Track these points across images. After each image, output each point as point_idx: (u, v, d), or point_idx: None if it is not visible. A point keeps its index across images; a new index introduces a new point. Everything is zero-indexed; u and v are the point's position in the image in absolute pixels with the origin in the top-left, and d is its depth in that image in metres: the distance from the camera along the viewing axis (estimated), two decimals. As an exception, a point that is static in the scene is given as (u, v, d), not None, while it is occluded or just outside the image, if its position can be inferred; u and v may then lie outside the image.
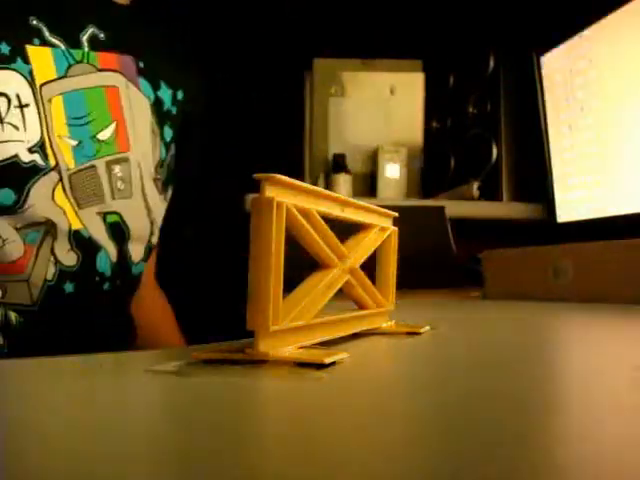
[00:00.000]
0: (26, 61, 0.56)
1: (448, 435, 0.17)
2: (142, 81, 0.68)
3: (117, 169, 0.63)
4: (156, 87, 0.69)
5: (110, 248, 0.63)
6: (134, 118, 0.66)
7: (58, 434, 0.18)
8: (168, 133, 0.72)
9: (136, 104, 0.67)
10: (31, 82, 0.56)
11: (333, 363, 0.28)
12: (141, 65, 0.67)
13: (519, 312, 0.66)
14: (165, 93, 0.70)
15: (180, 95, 0.73)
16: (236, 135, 1.67)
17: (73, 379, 0.27)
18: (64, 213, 0.58)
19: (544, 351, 0.37)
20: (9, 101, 0.54)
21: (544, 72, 1.20)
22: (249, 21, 1.65)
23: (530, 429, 0.18)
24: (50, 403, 0.22)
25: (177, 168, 0.76)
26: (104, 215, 0.62)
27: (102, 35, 0.63)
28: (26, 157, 0.55)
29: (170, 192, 0.74)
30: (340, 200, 0.35)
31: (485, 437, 0.17)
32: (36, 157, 0.56)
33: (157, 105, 0.69)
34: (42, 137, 0.56)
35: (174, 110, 0.72)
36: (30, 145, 0.56)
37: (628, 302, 0.65)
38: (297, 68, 1.54)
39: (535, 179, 1.24)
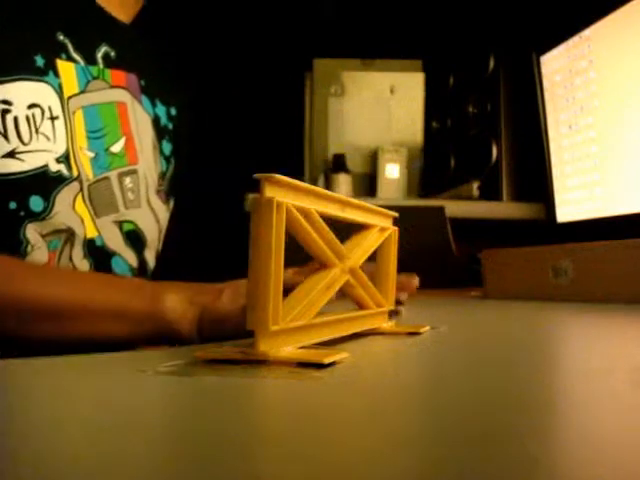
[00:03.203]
0: (56, 75, 0.58)
1: (448, 435, 0.17)
2: (144, 98, 0.71)
3: (127, 180, 0.66)
4: (154, 104, 0.73)
5: (128, 255, 0.66)
6: (139, 133, 0.69)
7: (59, 433, 0.18)
8: (167, 147, 0.75)
9: (140, 119, 0.70)
10: (60, 95, 0.58)
11: (333, 363, 0.28)
12: (143, 83, 0.70)
13: (519, 312, 0.66)
14: (160, 110, 0.74)
15: (173, 112, 0.76)
16: (236, 135, 1.67)
17: (75, 378, 0.27)
18: (82, 221, 0.61)
19: (544, 351, 0.37)
20: (43, 112, 0.57)
21: (544, 72, 1.20)
22: (250, 21, 1.65)
23: (530, 429, 0.18)
24: (51, 402, 0.22)
25: (176, 178, 0.78)
26: (120, 223, 0.65)
27: (113, 53, 0.66)
28: (54, 167, 0.58)
29: (172, 203, 0.77)
30: (340, 200, 0.35)
31: (485, 437, 0.17)
32: (62, 167, 0.58)
33: (156, 121, 0.73)
34: (67, 148, 0.59)
35: (170, 125, 0.76)
36: (57, 155, 0.58)
37: (628, 302, 0.65)
38: (297, 68, 1.54)
39: (535, 179, 1.24)
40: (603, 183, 1.05)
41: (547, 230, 1.21)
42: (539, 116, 1.21)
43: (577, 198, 1.13)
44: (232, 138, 1.67)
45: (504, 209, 1.27)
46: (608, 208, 1.03)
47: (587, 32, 1.07)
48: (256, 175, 0.28)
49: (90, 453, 0.16)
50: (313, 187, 0.31)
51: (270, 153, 1.60)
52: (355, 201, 0.36)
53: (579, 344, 0.41)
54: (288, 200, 0.28)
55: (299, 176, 1.35)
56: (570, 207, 1.15)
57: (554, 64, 1.17)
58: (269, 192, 0.27)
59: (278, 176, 0.28)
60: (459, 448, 0.16)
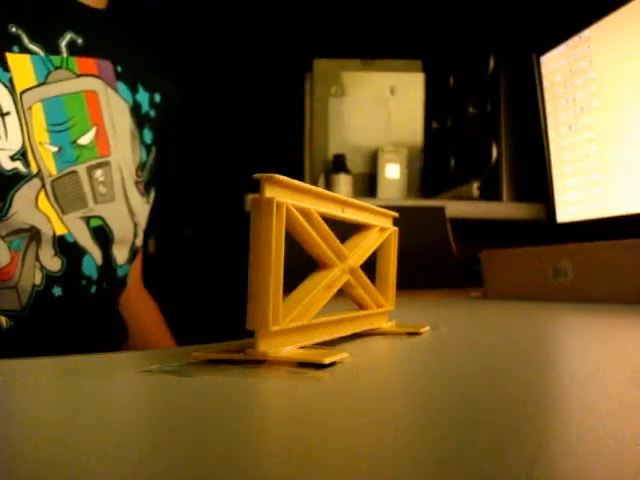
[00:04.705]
0: (6, 69, 0.56)
1: (448, 436, 0.17)
2: (120, 85, 0.68)
3: (98, 173, 0.63)
4: (134, 91, 0.70)
5: (95, 252, 0.63)
6: (114, 122, 0.66)
7: (59, 434, 0.18)
8: (148, 136, 0.72)
9: (115, 108, 0.67)
10: (11, 90, 0.56)
11: (333, 363, 0.28)
12: (119, 69, 0.67)
13: (519, 312, 0.66)
14: (143, 96, 0.71)
15: (157, 98, 0.73)
16: (236, 135, 1.67)
17: (73, 378, 0.27)
18: (48, 219, 0.58)
19: (544, 351, 0.37)
20: None
21: (544, 72, 1.20)
22: (250, 22, 1.65)
23: (530, 430, 0.18)
24: (51, 403, 0.22)
25: (160, 169, 0.76)
26: (87, 219, 0.62)
27: (80, 40, 0.63)
28: (8, 165, 0.55)
29: (153, 194, 0.75)
30: (340, 200, 0.35)
31: (485, 438, 0.17)
32: (18, 164, 0.56)
33: (136, 108, 0.70)
34: (23, 144, 0.56)
35: (152, 113, 0.73)
36: (12, 153, 0.55)
37: (628, 302, 0.65)
38: (297, 69, 1.54)
39: (535, 179, 1.24)
40: (603, 183, 1.05)
41: (547, 230, 1.21)
42: (539, 116, 1.21)
43: (577, 198, 1.13)
44: (232, 138, 1.67)
45: (504, 209, 1.27)
46: (608, 208, 1.03)
47: (587, 32, 1.07)
48: (256, 175, 0.28)
49: (87, 453, 0.16)
50: (313, 187, 0.31)
51: (270, 153, 1.60)
52: (355, 201, 0.36)
53: (579, 344, 0.41)
54: (288, 200, 0.28)
55: (299, 176, 1.35)
56: (570, 207, 1.15)
57: (554, 64, 1.17)
58: (269, 192, 0.27)
59: (278, 176, 0.28)
60: (459, 448, 0.16)
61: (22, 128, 0.56)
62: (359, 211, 0.37)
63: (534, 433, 0.18)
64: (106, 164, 0.64)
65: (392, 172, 1.41)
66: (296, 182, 0.29)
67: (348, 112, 1.46)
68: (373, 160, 1.44)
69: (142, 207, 0.71)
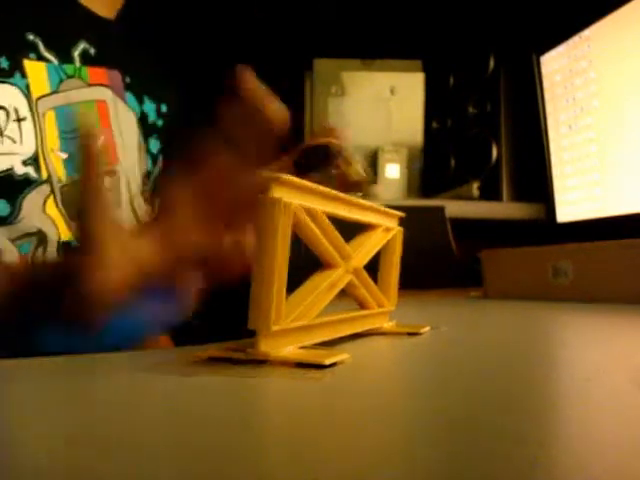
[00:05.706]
0: (23, 75, 0.57)
1: (448, 436, 0.17)
2: (128, 95, 0.69)
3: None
4: (141, 101, 0.71)
5: None
6: (122, 131, 0.67)
7: (59, 433, 0.18)
8: (154, 145, 0.73)
9: (123, 118, 0.68)
10: (28, 96, 0.57)
11: (334, 364, 0.28)
12: (127, 80, 0.68)
13: (519, 312, 0.67)
14: (149, 107, 0.72)
15: (164, 108, 0.74)
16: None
17: (74, 379, 0.27)
18: (55, 224, 0.59)
19: (544, 351, 0.37)
20: (7, 115, 0.55)
21: (544, 72, 1.20)
22: (250, 21, 1.64)
23: (530, 430, 0.18)
24: (51, 403, 0.22)
25: (165, 177, 0.77)
26: None
27: (92, 50, 0.64)
28: (20, 170, 0.56)
29: (157, 204, 0.76)
30: (346, 200, 0.35)
31: (485, 438, 0.17)
32: (29, 170, 0.57)
33: (143, 118, 0.71)
34: (36, 150, 0.57)
35: (159, 123, 0.73)
36: (25, 158, 0.56)
37: (628, 302, 0.65)
38: (297, 68, 1.54)
39: (535, 179, 1.24)
40: (603, 183, 1.05)
41: (547, 230, 1.21)
42: (539, 116, 1.21)
43: (577, 198, 1.13)
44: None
45: (504, 209, 1.27)
46: (608, 208, 1.03)
47: (587, 32, 1.07)
48: (263, 175, 0.28)
49: (87, 453, 0.16)
50: (319, 187, 0.31)
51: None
52: (361, 201, 0.36)
53: (579, 344, 0.41)
54: (294, 200, 0.28)
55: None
56: (570, 207, 1.15)
57: (554, 64, 1.17)
58: (276, 192, 0.27)
59: (285, 176, 0.28)
60: (459, 448, 0.16)
61: (36, 134, 0.57)
62: (364, 211, 0.37)
63: (534, 433, 0.18)
64: (113, 172, 0.65)
65: (392, 172, 1.41)
66: (302, 182, 0.29)
67: (348, 112, 1.46)
68: (373, 160, 1.44)
69: (147, 215, 0.72)
